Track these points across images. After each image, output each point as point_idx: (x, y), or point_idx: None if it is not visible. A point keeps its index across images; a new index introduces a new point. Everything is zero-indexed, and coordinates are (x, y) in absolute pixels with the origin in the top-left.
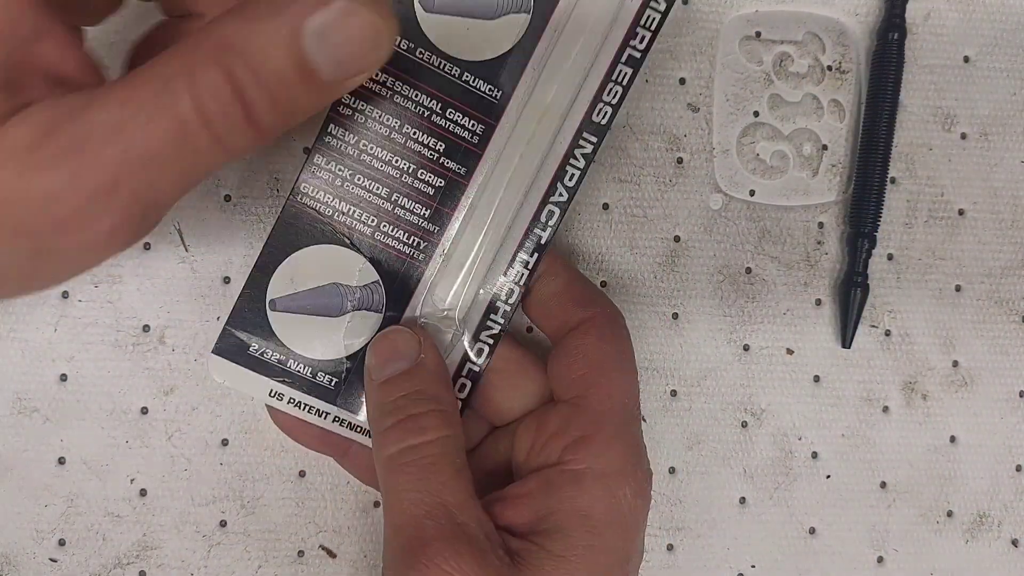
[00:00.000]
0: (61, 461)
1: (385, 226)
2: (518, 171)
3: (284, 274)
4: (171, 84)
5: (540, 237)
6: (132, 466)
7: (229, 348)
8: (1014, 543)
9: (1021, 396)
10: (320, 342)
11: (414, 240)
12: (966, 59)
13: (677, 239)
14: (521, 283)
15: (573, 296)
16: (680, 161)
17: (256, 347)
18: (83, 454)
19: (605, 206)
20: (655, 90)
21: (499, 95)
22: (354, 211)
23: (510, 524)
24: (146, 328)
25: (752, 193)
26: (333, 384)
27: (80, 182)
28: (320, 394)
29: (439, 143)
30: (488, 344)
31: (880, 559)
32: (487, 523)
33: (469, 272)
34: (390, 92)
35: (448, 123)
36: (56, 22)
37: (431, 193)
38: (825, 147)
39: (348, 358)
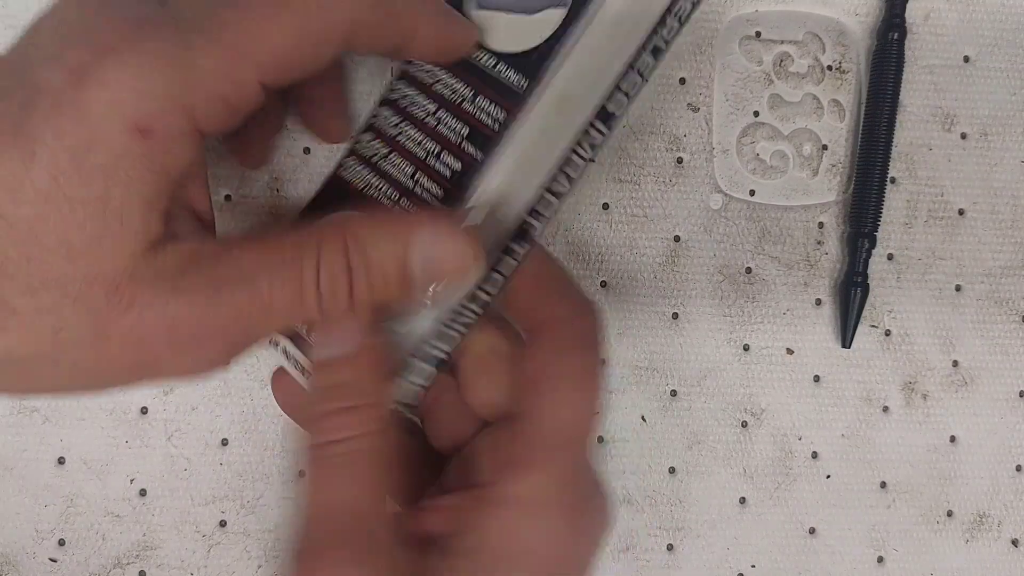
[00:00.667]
0: (61, 461)
1: (404, 201)
2: (528, 157)
3: None
4: (302, 252)
5: (532, 227)
6: (132, 466)
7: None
8: (1014, 543)
9: (1021, 396)
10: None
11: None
12: (966, 59)
13: (677, 239)
14: (503, 271)
15: (541, 288)
16: (680, 161)
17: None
18: (83, 454)
19: (605, 206)
20: (655, 90)
21: (526, 85)
22: (382, 185)
23: (430, 533)
24: None
25: (752, 193)
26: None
27: (209, 318)
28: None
29: (464, 127)
30: (459, 331)
31: (880, 559)
32: (396, 531)
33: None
34: (434, 79)
35: (476, 109)
36: (206, 166)
37: (448, 176)
38: (825, 147)
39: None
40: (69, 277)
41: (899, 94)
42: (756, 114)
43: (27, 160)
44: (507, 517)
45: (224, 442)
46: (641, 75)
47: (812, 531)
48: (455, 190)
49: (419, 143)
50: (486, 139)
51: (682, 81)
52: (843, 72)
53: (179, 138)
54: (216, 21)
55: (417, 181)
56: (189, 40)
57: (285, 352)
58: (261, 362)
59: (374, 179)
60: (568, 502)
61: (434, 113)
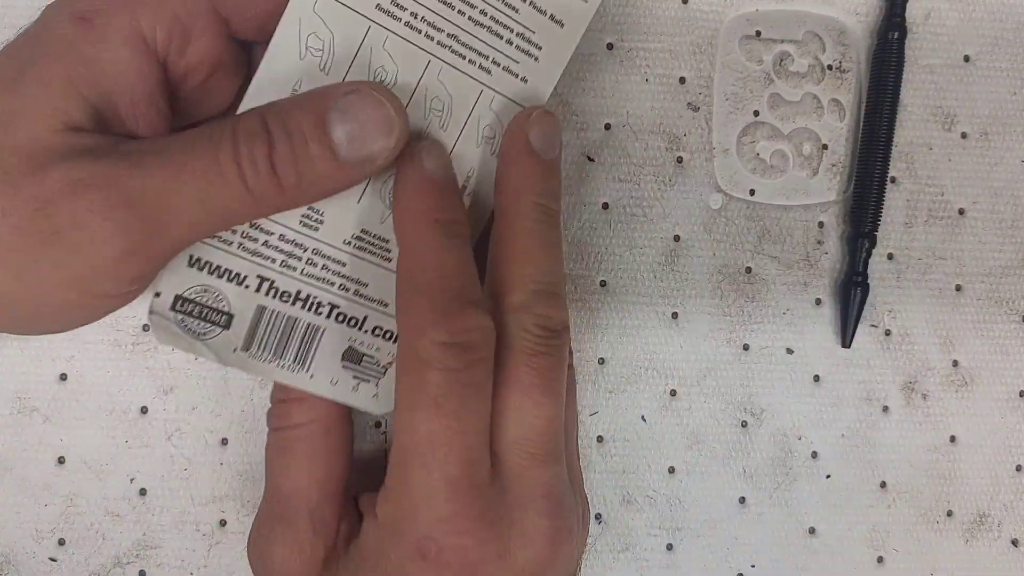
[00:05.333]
0: (61, 461)
1: None
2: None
3: None
4: (221, 126)
5: None
6: (132, 466)
7: None
8: (1014, 543)
9: (1021, 396)
10: None
11: None
12: (966, 58)
13: (677, 239)
14: None
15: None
16: (680, 160)
17: None
18: (83, 453)
19: (605, 205)
20: (655, 89)
21: None
22: None
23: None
24: (146, 327)
25: (752, 193)
26: None
27: (119, 184)
28: None
29: None
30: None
31: (880, 559)
32: (340, 512)
33: None
34: None
35: None
36: (161, 97)
37: None
38: (825, 147)
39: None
40: None
41: (899, 94)
42: (756, 113)
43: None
44: (365, 538)
45: (224, 442)
46: None
47: (812, 531)
48: None
49: None
50: None
51: (682, 81)
52: (843, 72)
53: (117, 34)
54: None
55: None
56: None
57: None
58: None
59: None
60: (412, 532)
61: None
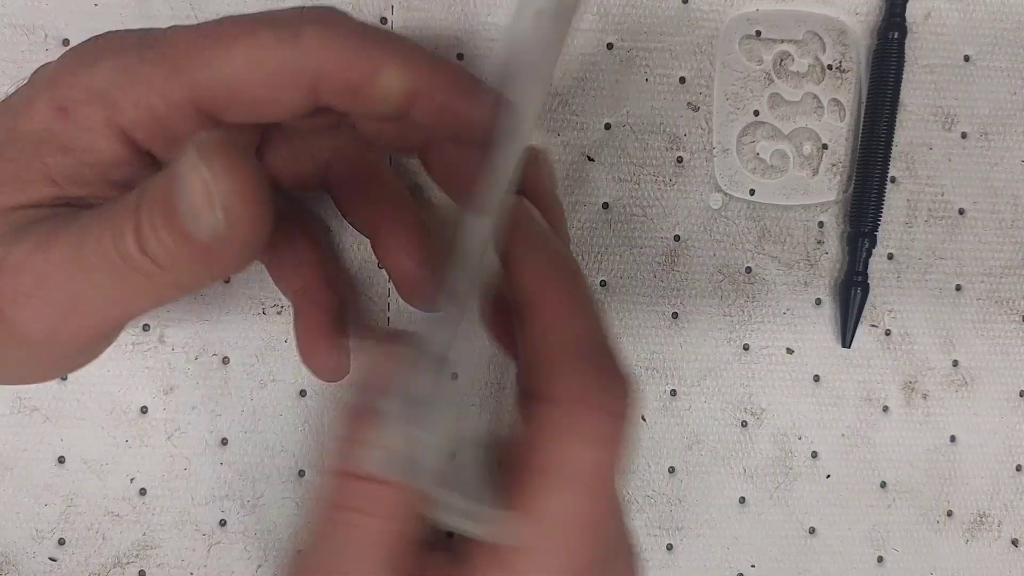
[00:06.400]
0: (61, 460)
1: None
2: None
3: None
4: (113, 220)
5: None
6: (132, 465)
7: None
8: (1014, 543)
9: (1021, 396)
10: None
11: None
12: (966, 58)
13: (677, 238)
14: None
15: (556, 339)
16: (680, 160)
17: None
18: (83, 453)
19: (605, 205)
20: (655, 89)
21: None
22: None
23: None
24: (146, 327)
25: (752, 192)
26: None
27: (38, 261)
28: None
29: None
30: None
31: (880, 559)
32: None
33: None
34: None
35: None
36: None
37: None
38: (825, 146)
39: None
40: None
41: (899, 93)
42: (756, 113)
43: None
44: None
45: (224, 442)
46: None
47: (812, 531)
48: None
49: None
50: None
51: (682, 80)
52: (843, 71)
53: (94, 128)
54: (177, 41)
55: None
56: (143, 50)
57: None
58: (260, 362)
59: None
60: None
61: None
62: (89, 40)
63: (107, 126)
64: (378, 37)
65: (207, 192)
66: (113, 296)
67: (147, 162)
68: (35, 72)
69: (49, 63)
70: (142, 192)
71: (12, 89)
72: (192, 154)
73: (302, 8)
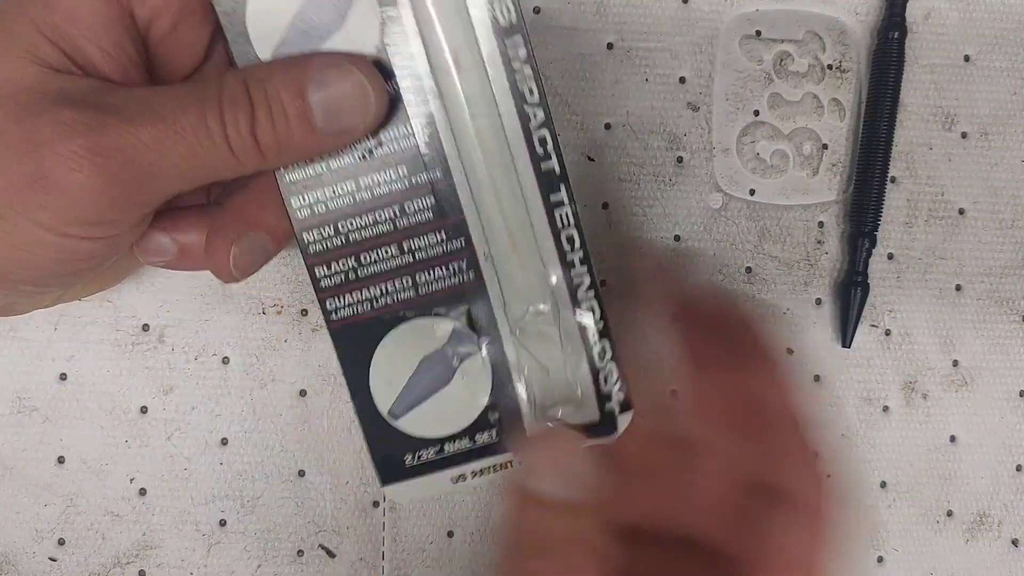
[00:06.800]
0: (61, 460)
1: (419, 275)
2: (489, 150)
3: (379, 385)
4: (205, 87)
5: (553, 171)
6: (132, 465)
7: (391, 473)
8: (1014, 543)
9: (1021, 396)
10: (455, 413)
11: (451, 266)
12: (966, 58)
13: (677, 238)
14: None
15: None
16: (680, 160)
17: (408, 458)
18: (83, 453)
19: (605, 205)
20: (655, 89)
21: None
22: (385, 288)
23: None
24: (145, 327)
25: (752, 192)
26: (496, 435)
27: (107, 136)
28: (490, 451)
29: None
30: (596, 307)
31: (880, 559)
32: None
33: (522, 249)
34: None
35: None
36: (129, 43)
37: (431, 216)
38: (825, 146)
39: (489, 408)
40: None
41: (899, 93)
42: (756, 113)
43: None
44: None
45: (224, 442)
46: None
47: None
48: None
49: None
50: None
51: (682, 80)
52: (843, 71)
53: None
54: None
55: None
56: None
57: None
58: (260, 362)
59: None
60: None
61: None
62: None
63: None
64: None
65: (364, 92)
66: (186, 172)
67: (127, 22)
68: None
69: None
70: (256, 81)
71: None
72: (348, 63)
73: None
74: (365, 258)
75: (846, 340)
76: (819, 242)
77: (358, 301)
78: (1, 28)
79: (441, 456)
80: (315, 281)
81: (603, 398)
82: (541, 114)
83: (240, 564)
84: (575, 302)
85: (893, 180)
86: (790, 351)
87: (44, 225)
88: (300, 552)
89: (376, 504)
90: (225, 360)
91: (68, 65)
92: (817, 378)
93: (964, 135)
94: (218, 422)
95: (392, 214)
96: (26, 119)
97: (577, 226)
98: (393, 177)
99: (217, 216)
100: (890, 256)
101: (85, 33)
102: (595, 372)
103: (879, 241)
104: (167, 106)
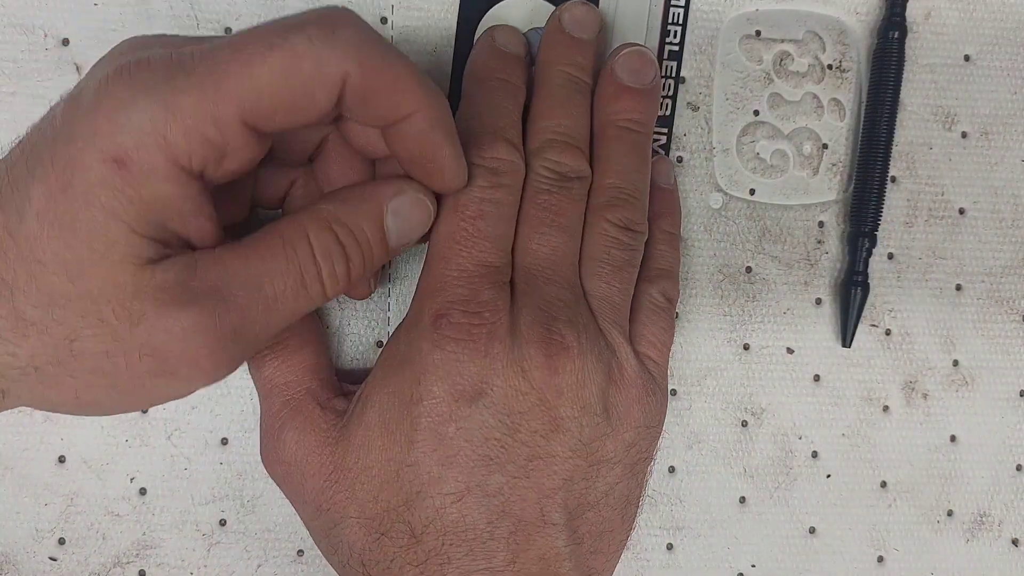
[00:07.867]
0: (61, 460)
1: None
2: None
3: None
4: (294, 245)
5: None
6: (132, 465)
7: None
8: (1014, 543)
9: (1021, 396)
10: None
11: None
12: (967, 58)
13: None
14: None
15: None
16: (680, 160)
17: None
18: (83, 453)
19: None
20: None
21: None
22: None
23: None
24: None
25: (752, 192)
26: None
27: (219, 325)
28: None
29: None
30: None
31: (880, 559)
32: (326, 392)
33: None
34: None
35: None
36: (207, 204)
37: None
38: (825, 146)
39: None
40: (73, 294)
41: (899, 93)
42: (756, 113)
43: (28, 179)
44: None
45: (224, 441)
46: (671, 78)
47: (812, 531)
48: None
49: None
50: None
51: (682, 80)
52: (843, 71)
53: (156, 172)
54: (207, 61)
55: None
56: (177, 79)
57: None
58: None
59: None
60: (417, 317)
61: None
62: (103, 76)
63: (167, 164)
64: (393, 48)
65: (428, 212)
66: (284, 324)
67: (202, 187)
68: (48, 120)
69: (57, 107)
70: (342, 226)
71: (16, 150)
72: (412, 189)
73: (321, 11)
74: None
75: (846, 340)
76: (819, 242)
77: None
78: (88, 229)
79: None
80: None
81: None
82: None
83: (240, 564)
84: None
85: (893, 180)
86: (790, 351)
87: (165, 396)
88: (300, 552)
89: None
90: None
91: (161, 251)
92: (817, 378)
93: (964, 135)
94: (218, 422)
95: None
96: (140, 325)
97: None
98: None
99: None
100: (890, 256)
101: (171, 216)
102: None
103: (879, 241)
104: (266, 277)
